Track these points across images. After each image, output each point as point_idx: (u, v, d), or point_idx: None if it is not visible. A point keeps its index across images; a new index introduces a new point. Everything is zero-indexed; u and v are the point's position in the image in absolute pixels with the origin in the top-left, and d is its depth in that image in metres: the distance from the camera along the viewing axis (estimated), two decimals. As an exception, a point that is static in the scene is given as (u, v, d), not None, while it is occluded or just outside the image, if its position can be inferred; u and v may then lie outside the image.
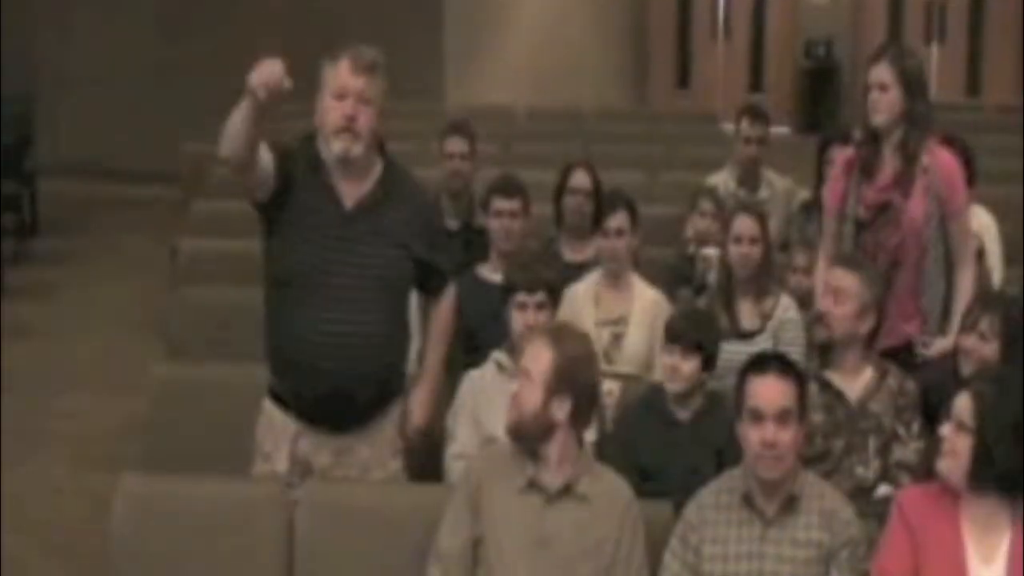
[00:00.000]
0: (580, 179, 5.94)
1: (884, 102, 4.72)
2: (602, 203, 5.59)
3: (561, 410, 3.61)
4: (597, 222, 5.42)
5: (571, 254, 5.90)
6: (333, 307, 3.99)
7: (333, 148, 3.98)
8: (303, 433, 4.11)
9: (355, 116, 3.96)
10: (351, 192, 4.05)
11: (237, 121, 3.80)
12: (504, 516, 3.61)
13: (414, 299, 4.54)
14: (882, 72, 4.74)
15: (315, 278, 3.99)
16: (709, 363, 4.39)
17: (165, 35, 13.41)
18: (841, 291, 4.33)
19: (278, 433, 4.13)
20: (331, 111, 3.97)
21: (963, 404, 3.48)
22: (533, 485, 3.63)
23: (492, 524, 3.62)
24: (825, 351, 4.42)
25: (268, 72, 3.70)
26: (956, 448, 3.47)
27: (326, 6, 12.73)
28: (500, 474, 3.67)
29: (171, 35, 13.35)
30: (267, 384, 4.17)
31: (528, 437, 3.64)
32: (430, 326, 4.40)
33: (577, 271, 5.50)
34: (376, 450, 4.16)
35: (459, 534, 3.65)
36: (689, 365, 4.33)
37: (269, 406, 4.17)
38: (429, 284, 4.30)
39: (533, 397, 3.61)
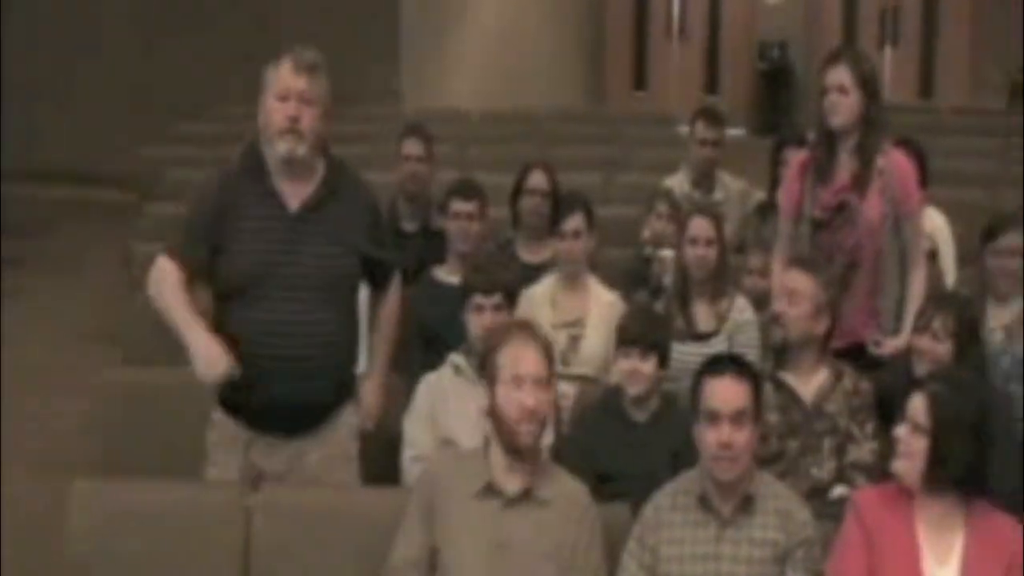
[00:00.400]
0: (537, 180, 5.95)
1: (843, 105, 4.75)
2: (559, 205, 5.59)
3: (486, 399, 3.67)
4: (554, 224, 5.42)
5: (528, 256, 5.90)
6: (282, 309, 3.99)
7: (278, 149, 3.99)
8: (255, 441, 4.10)
9: (298, 117, 3.98)
10: (296, 193, 4.06)
11: (163, 313, 4.05)
12: (461, 522, 3.60)
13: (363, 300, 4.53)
14: (841, 75, 4.76)
15: (264, 282, 4.00)
16: (663, 362, 4.42)
17: (131, 43, 13.40)
18: (796, 292, 4.36)
19: (229, 442, 4.12)
20: (274, 112, 4.00)
21: (917, 405, 3.51)
22: (490, 490, 3.63)
23: (449, 531, 3.61)
24: (780, 352, 4.45)
25: (211, 374, 3.91)
26: (911, 449, 3.49)
27: (282, 11, 12.72)
28: (456, 480, 3.66)
29: (138, 43, 13.34)
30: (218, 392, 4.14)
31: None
32: (377, 318, 4.40)
33: (534, 272, 5.50)
34: (329, 454, 4.15)
35: (412, 546, 3.63)
36: (648, 366, 4.35)
37: (219, 416, 4.15)
38: (376, 278, 4.32)
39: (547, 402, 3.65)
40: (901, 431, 3.53)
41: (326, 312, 4.05)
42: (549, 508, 3.62)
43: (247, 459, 4.09)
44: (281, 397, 3.99)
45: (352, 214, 4.13)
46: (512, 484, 3.63)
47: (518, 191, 5.99)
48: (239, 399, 4.06)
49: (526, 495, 3.63)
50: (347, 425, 4.21)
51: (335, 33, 11.64)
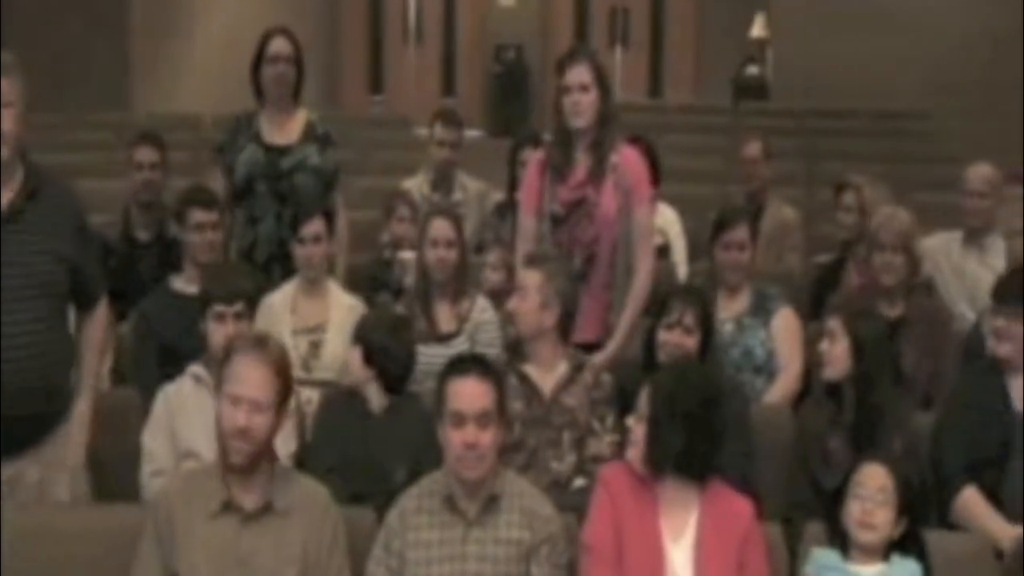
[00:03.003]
0: (279, 46, 5.69)
1: (586, 103, 4.82)
2: (303, 75, 5.50)
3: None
4: (297, 95, 5.39)
5: (274, 136, 5.75)
6: None
7: None
8: None
9: None
10: None
11: None
12: (200, 543, 3.52)
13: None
14: (583, 73, 4.83)
15: None
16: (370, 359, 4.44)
17: None
18: (524, 287, 4.41)
19: None
20: None
21: (644, 395, 3.63)
22: (228, 507, 3.56)
23: (188, 553, 3.51)
24: (516, 348, 4.50)
25: None
26: (636, 436, 3.63)
27: (11, 15, 12.24)
28: (192, 500, 3.57)
29: None
30: None
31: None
32: (82, 343, 4.17)
33: (279, 157, 5.56)
34: (49, 472, 3.99)
35: (149, 572, 3.54)
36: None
37: None
38: (81, 296, 4.12)
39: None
40: (631, 420, 3.65)
41: (35, 323, 3.87)
42: (289, 517, 3.58)
43: None
44: None
45: (57, 220, 3.95)
46: (250, 499, 3.57)
47: (259, 61, 5.73)
48: None
49: (265, 508, 3.57)
50: (67, 439, 4.04)
51: (63, 39, 11.29)
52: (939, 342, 5.05)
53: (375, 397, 4.41)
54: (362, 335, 4.45)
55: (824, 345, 4.31)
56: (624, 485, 3.66)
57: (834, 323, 4.30)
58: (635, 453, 3.64)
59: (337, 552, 3.62)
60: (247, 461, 3.56)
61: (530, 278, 4.42)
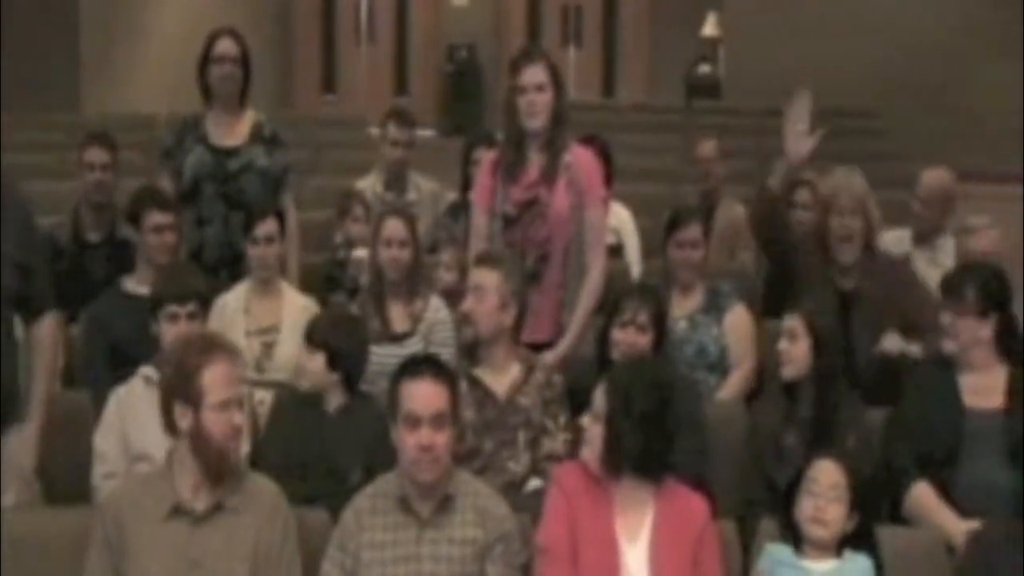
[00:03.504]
0: (226, 47, 5.69)
1: (541, 103, 4.82)
2: (250, 74, 5.49)
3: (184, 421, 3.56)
4: (244, 96, 5.39)
5: (221, 138, 5.73)
6: None
7: None
8: None
9: None
10: None
11: None
12: (150, 547, 3.49)
13: None
14: (539, 73, 4.83)
15: None
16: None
17: None
18: (481, 288, 4.41)
19: None
20: None
21: (598, 394, 3.64)
22: (178, 510, 3.54)
23: (138, 557, 3.49)
24: (472, 349, 4.49)
25: None
26: (591, 436, 3.63)
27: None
28: (142, 504, 3.54)
29: None
30: None
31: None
32: (31, 355, 4.04)
33: (226, 159, 5.53)
34: None
35: None
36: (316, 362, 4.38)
37: None
38: (30, 304, 4.00)
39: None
40: (586, 420, 3.65)
41: None
42: (240, 515, 3.56)
43: None
44: None
45: (5, 224, 3.84)
46: (201, 501, 3.55)
47: (205, 62, 5.70)
48: None
49: (216, 508, 3.55)
50: (13, 444, 3.95)
51: (13, 38, 11.19)
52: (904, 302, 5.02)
53: (335, 399, 4.40)
54: (322, 340, 4.40)
55: (784, 344, 4.32)
56: (578, 485, 3.66)
57: (795, 322, 4.31)
58: (591, 453, 3.65)
59: (288, 546, 3.61)
60: (238, 457, 3.59)
61: (488, 278, 4.41)
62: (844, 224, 5.00)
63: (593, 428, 3.64)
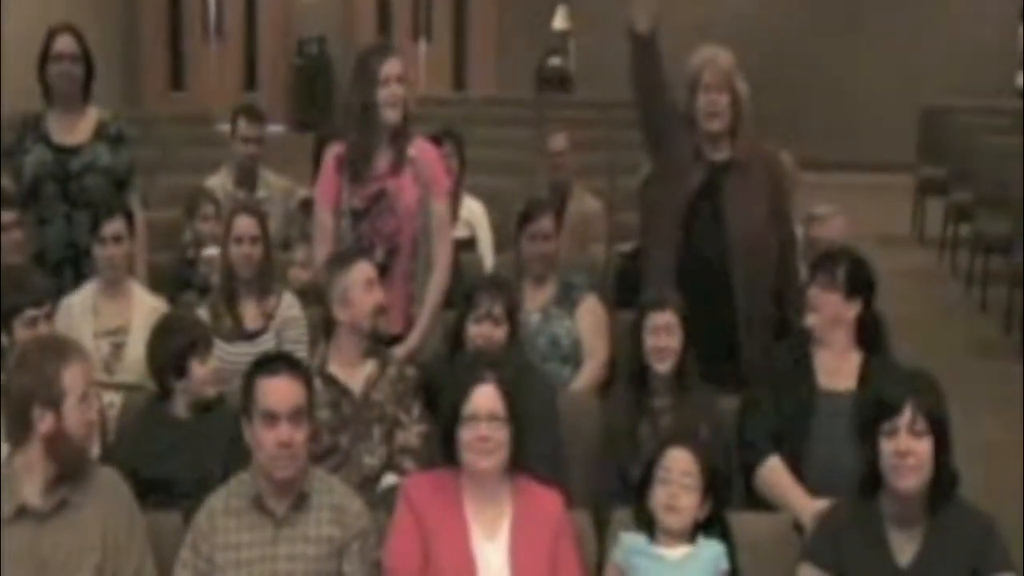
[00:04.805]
0: (64, 44, 5.58)
1: (402, 95, 4.84)
2: (92, 69, 5.43)
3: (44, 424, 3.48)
4: (87, 94, 5.33)
5: (63, 136, 5.62)
6: None
7: None
8: None
9: None
10: None
11: None
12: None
13: None
14: (399, 65, 4.84)
15: None
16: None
17: None
18: (369, 282, 4.39)
19: None
20: None
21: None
22: (23, 511, 3.48)
23: None
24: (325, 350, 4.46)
25: None
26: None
27: None
28: None
29: None
30: None
31: None
32: None
33: (69, 157, 5.47)
34: None
35: None
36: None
37: None
38: None
39: None
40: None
41: None
42: (84, 508, 3.51)
43: None
44: None
45: None
46: (44, 500, 3.50)
47: (44, 59, 5.59)
48: None
49: (60, 504, 3.50)
50: None
51: None
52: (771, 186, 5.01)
53: (184, 400, 4.35)
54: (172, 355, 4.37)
55: (663, 340, 4.34)
56: (428, 493, 3.66)
57: (670, 318, 4.36)
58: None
59: (136, 533, 3.58)
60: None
61: (366, 271, 4.40)
62: (711, 100, 4.88)
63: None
